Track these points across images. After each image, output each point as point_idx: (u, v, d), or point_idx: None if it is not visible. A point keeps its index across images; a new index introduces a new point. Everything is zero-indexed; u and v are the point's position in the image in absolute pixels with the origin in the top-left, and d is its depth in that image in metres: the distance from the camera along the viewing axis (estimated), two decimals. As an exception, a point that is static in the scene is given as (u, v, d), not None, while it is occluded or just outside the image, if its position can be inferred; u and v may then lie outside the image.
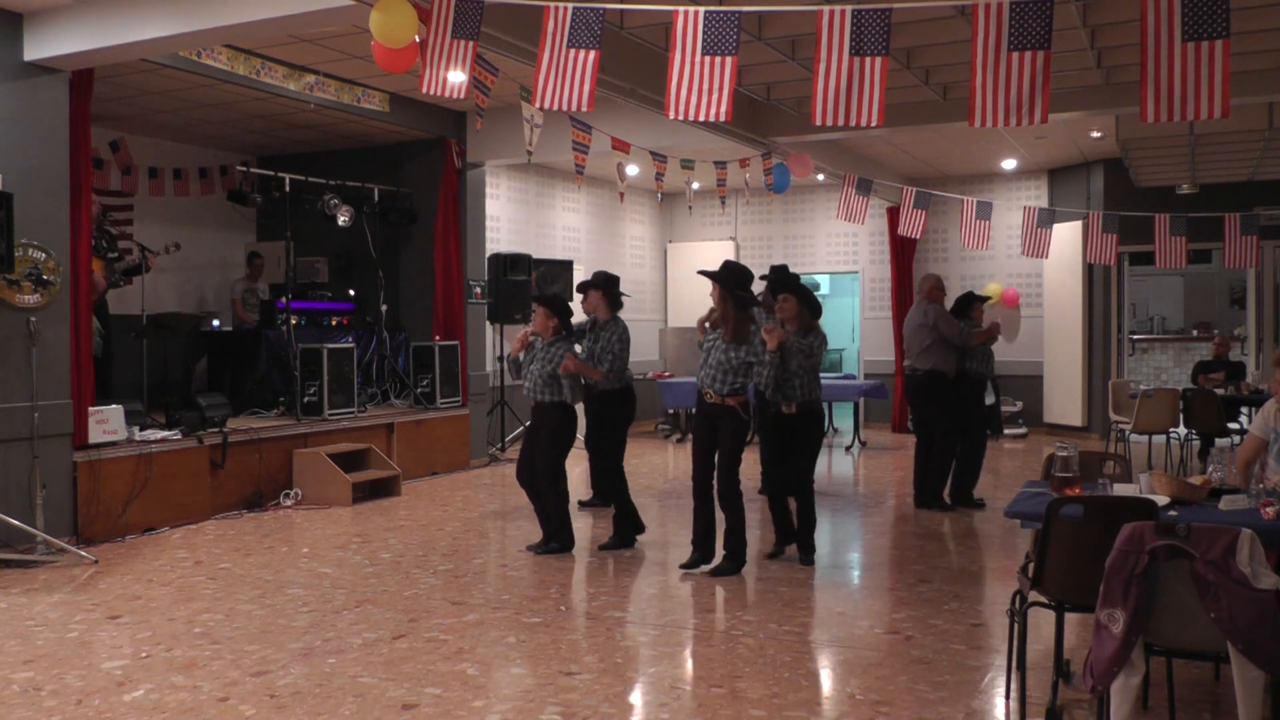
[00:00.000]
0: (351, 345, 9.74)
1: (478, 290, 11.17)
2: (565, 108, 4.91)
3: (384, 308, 10.73)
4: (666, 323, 15.36)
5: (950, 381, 8.29)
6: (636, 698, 4.26)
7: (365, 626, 5.19)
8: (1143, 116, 4.32)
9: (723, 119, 4.73)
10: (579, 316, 7.56)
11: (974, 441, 8.43)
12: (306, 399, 9.17)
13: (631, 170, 11.45)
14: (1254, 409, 8.03)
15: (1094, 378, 12.94)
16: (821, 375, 6.84)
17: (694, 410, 6.55)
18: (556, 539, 6.85)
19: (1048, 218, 10.78)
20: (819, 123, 4.71)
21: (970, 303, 8.56)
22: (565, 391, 6.79)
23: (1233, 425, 9.67)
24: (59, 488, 6.96)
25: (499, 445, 11.45)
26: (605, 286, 7.67)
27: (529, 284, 11.28)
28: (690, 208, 14.24)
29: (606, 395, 7.49)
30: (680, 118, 4.78)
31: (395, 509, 8.51)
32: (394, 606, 5.57)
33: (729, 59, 4.66)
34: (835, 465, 11.03)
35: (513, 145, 10.16)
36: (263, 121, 10.14)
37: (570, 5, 4.82)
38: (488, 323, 11.36)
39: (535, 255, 11.98)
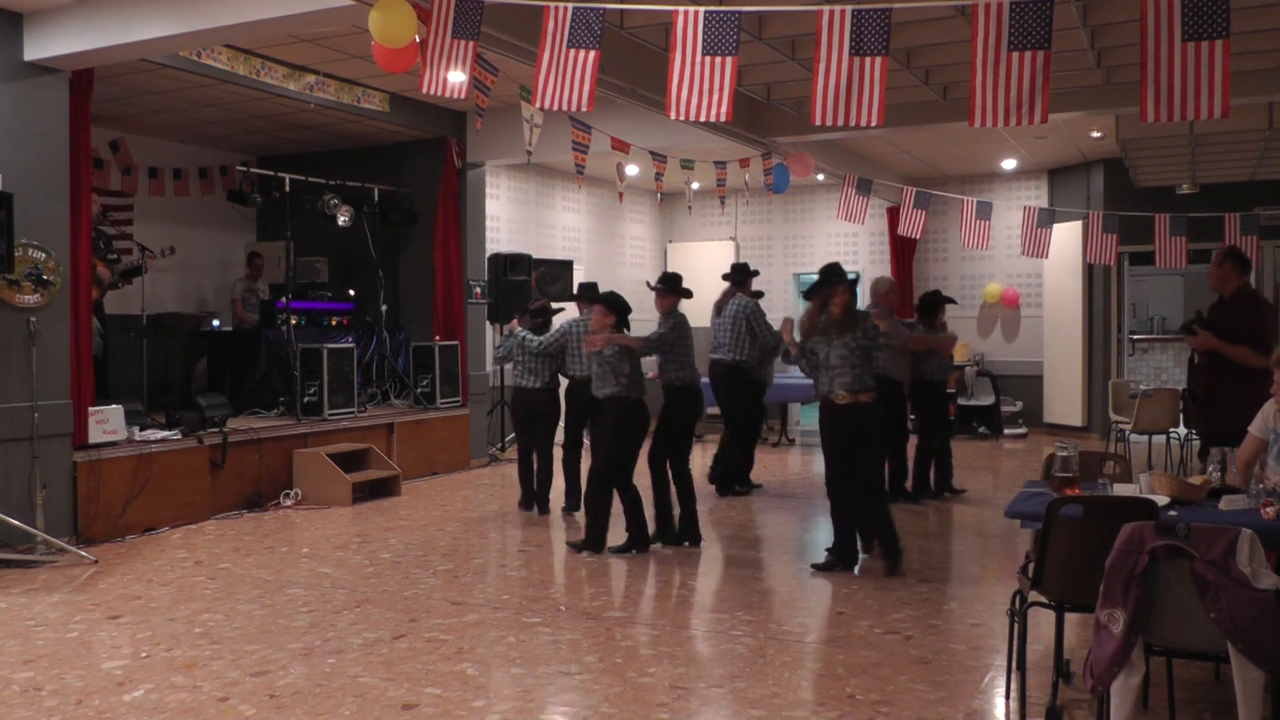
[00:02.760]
0: (351, 345, 9.74)
1: (478, 290, 11.17)
2: (565, 108, 4.91)
3: (384, 308, 10.73)
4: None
5: (894, 386, 8.15)
6: (636, 698, 4.25)
7: (365, 626, 5.19)
8: (1143, 116, 4.32)
9: (723, 119, 4.73)
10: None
11: (938, 444, 8.69)
12: (306, 399, 9.17)
13: (631, 170, 11.44)
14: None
15: (1094, 378, 12.94)
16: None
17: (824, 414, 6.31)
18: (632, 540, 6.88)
19: (1048, 218, 10.77)
20: (819, 123, 4.71)
21: (933, 305, 8.72)
22: (621, 383, 6.73)
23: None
24: (59, 488, 6.96)
25: (499, 445, 11.45)
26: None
27: (529, 284, 11.28)
28: (690, 208, 14.24)
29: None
30: (681, 118, 4.78)
31: (395, 509, 8.50)
32: (394, 606, 5.57)
33: (729, 59, 4.66)
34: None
35: (513, 145, 10.16)
36: (263, 121, 10.14)
37: (570, 5, 4.82)
38: (488, 323, 11.35)
39: (535, 255, 11.98)
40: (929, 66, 8.36)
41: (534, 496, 8.29)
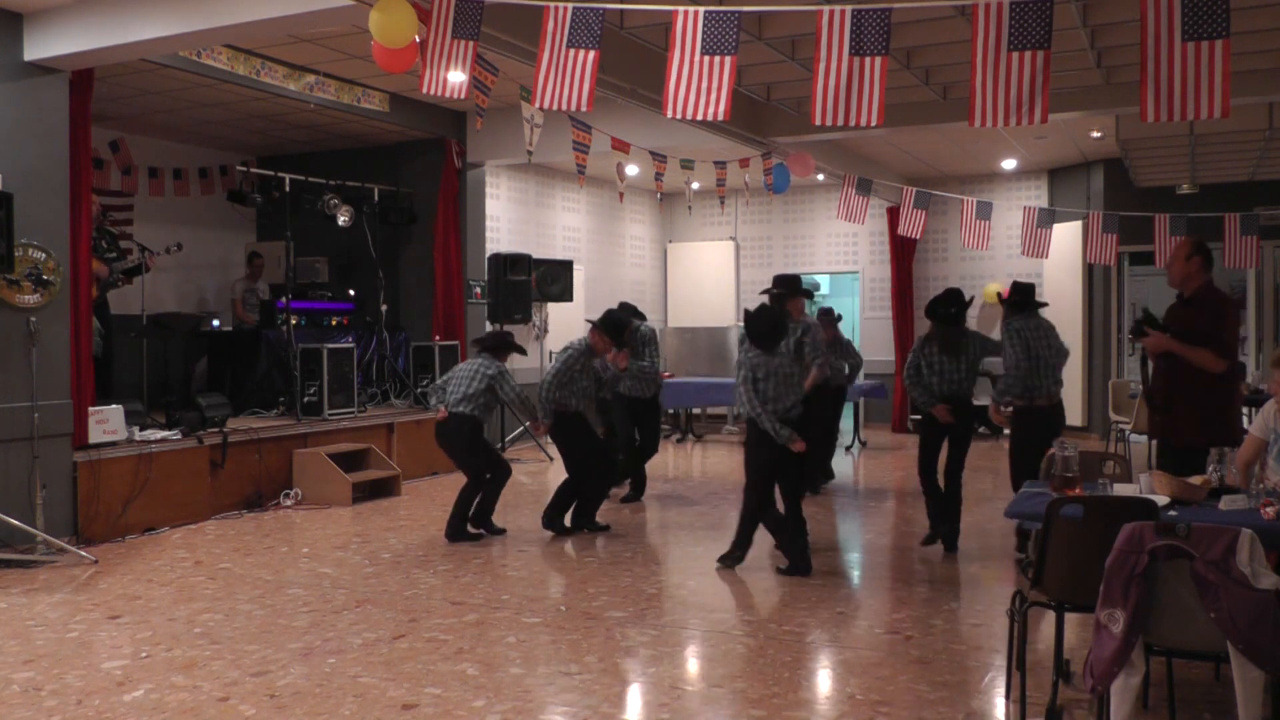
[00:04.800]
0: (351, 345, 9.74)
1: (478, 290, 11.17)
2: (565, 108, 4.91)
3: (384, 308, 10.73)
4: (667, 323, 15.37)
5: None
6: (636, 698, 4.26)
7: (365, 626, 5.19)
8: (1143, 116, 4.32)
9: (721, 118, 4.73)
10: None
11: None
12: (306, 399, 9.17)
13: (631, 170, 11.45)
14: (1254, 409, 8.01)
15: (1094, 378, 12.93)
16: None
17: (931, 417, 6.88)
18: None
19: (1048, 218, 10.77)
20: (819, 123, 4.71)
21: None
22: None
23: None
24: (59, 488, 6.95)
25: (499, 445, 11.45)
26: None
27: (529, 284, 11.28)
28: (690, 208, 14.25)
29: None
30: (678, 117, 4.78)
31: (395, 509, 8.50)
32: (394, 606, 5.57)
33: (728, 59, 4.66)
34: (836, 465, 11.01)
35: (513, 145, 10.16)
36: (263, 121, 10.14)
37: (570, 5, 4.82)
38: (488, 323, 11.36)
39: (535, 255, 11.98)
40: (929, 66, 8.36)
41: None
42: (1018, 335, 6.47)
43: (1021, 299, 6.69)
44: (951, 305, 6.86)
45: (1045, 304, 7.11)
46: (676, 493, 9.29)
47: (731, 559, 6.37)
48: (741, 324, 6.91)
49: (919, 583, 6.08)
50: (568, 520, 7.45)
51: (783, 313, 6.59)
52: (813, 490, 9.06)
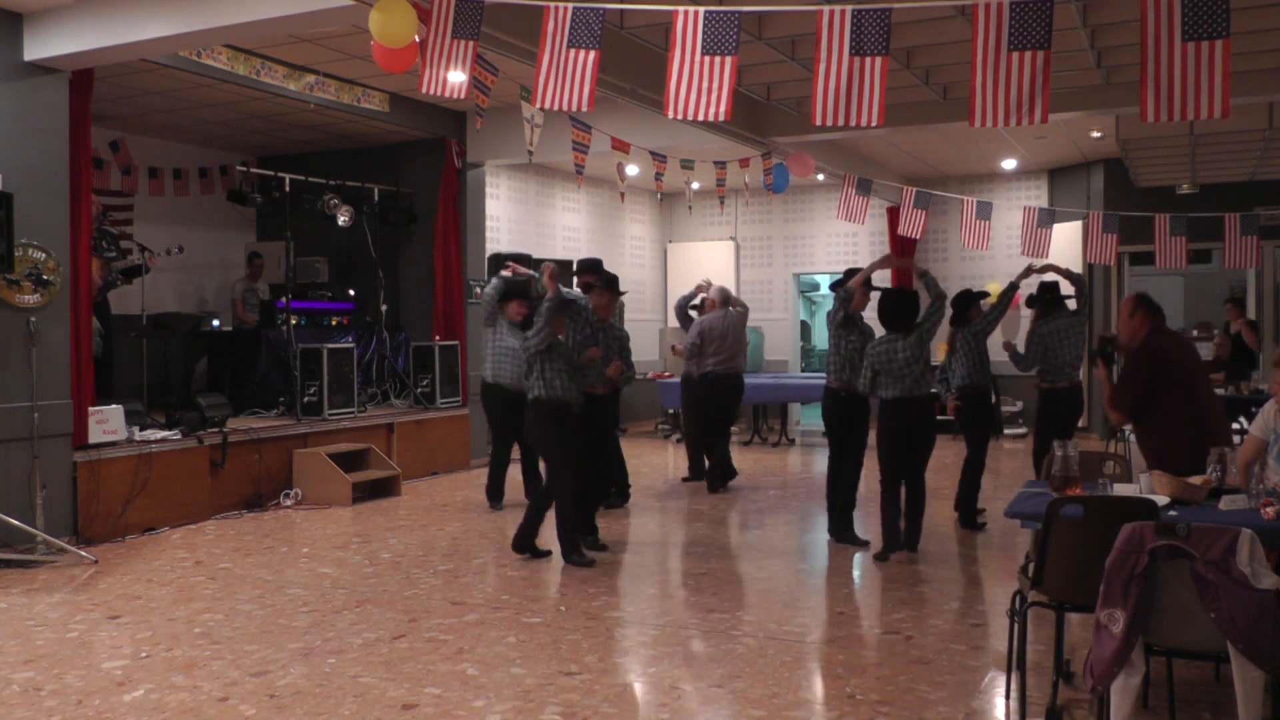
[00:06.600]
0: (351, 345, 9.74)
1: (478, 290, 11.16)
2: (565, 108, 4.91)
3: (384, 308, 10.73)
4: (666, 323, 15.36)
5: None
6: (636, 698, 4.25)
7: (365, 626, 5.19)
8: (1143, 116, 4.32)
9: (722, 119, 4.73)
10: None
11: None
12: (306, 399, 9.17)
13: (631, 170, 11.45)
14: (1255, 409, 8.00)
15: (1094, 378, 12.92)
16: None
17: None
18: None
19: (1048, 218, 10.77)
20: (819, 123, 4.71)
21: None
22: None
23: (1233, 425, 9.64)
24: (59, 488, 6.95)
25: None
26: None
27: (529, 284, 11.25)
28: (690, 208, 14.25)
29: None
30: (679, 117, 4.78)
31: (395, 509, 8.50)
32: (394, 606, 5.57)
33: (729, 59, 4.66)
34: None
35: (513, 145, 10.16)
36: (263, 121, 10.14)
37: (570, 5, 4.82)
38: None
39: (535, 255, 11.96)
40: (929, 66, 8.36)
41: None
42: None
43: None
44: (951, 308, 7.35)
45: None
46: (675, 492, 9.29)
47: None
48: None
49: (919, 583, 6.08)
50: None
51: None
52: (711, 488, 9.27)
